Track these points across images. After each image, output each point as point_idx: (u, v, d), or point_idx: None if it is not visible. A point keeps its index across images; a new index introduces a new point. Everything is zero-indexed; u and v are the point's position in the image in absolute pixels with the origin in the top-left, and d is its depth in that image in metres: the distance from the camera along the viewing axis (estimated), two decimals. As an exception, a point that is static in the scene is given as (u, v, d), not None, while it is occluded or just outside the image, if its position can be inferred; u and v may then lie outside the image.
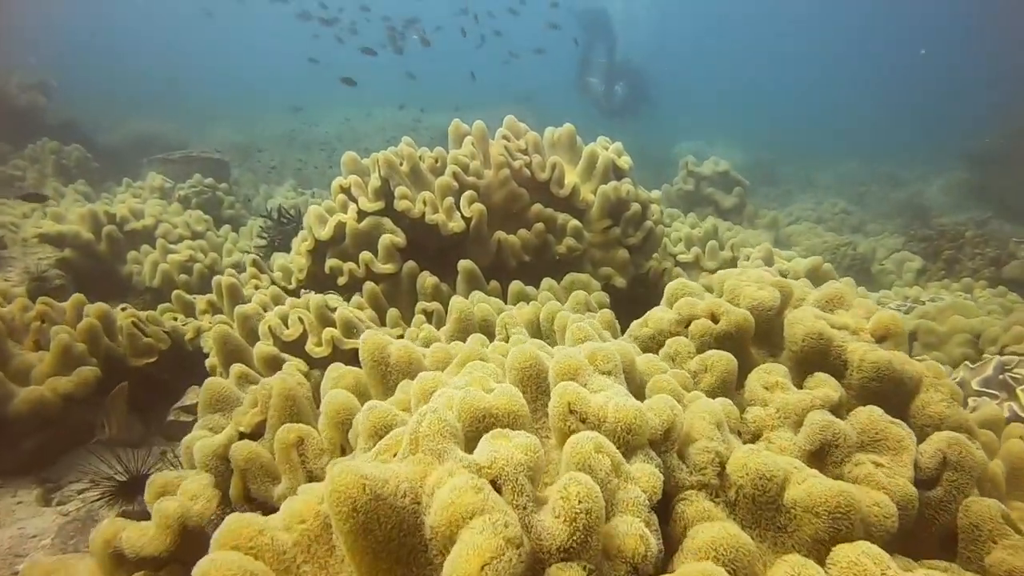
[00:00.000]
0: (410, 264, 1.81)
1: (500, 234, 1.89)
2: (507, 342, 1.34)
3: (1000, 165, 5.17)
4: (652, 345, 1.32)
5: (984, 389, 1.51)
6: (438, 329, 1.62)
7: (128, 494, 1.32)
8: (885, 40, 18.98)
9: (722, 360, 1.14)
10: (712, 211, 3.90)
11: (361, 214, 1.86)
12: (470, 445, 0.79)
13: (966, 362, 1.64)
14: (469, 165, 1.97)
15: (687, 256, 2.68)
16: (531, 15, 7.20)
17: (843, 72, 19.05)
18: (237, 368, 1.32)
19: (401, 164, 1.98)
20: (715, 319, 1.24)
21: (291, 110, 7.73)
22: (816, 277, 2.16)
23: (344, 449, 0.97)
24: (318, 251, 1.91)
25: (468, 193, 1.89)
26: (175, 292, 2.06)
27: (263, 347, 1.38)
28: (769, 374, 1.12)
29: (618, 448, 0.80)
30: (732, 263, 2.68)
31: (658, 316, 1.32)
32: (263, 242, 2.81)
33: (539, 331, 1.51)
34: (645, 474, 0.78)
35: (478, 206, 1.84)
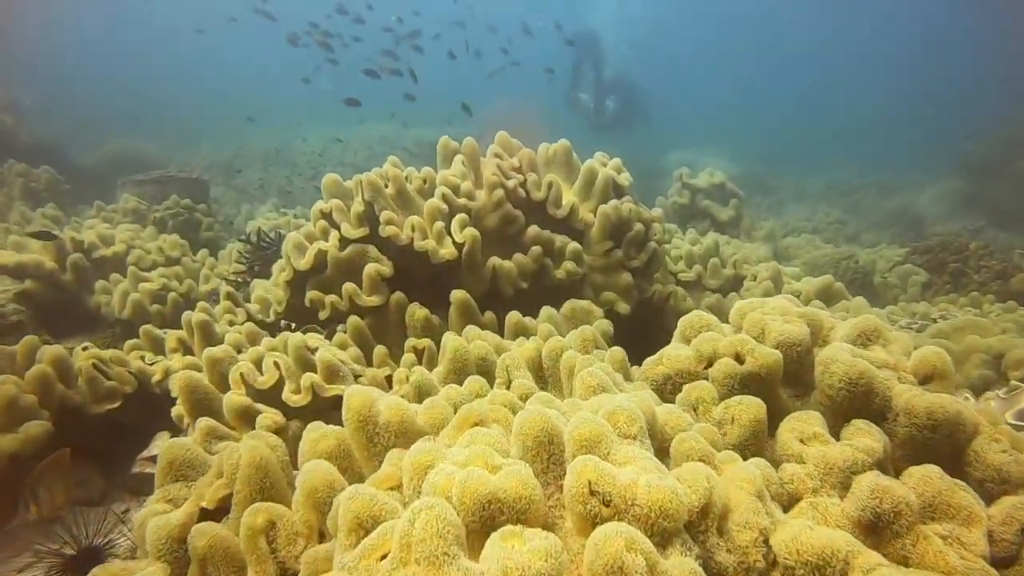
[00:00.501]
0: (398, 295, 1.67)
1: (495, 260, 1.76)
2: (508, 388, 1.21)
3: (994, 173, 5.16)
4: (667, 386, 1.20)
5: (1021, 423, 1.40)
6: (430, 368, 1.48)
7: (79, 570, 1.16)
8: (875, 49, 19.25)
9: (751, 408, 1.01)
10: (708, 224, 3.81)
11: (344, 241, 1.73)
12: (474, 540, 0.66)
13: (997, 392, 1.54)
14: (460, 186, 1.85)
15: (688, 275, 2.57)
16: (541, 32, 7.18)
17: (834, 77, 19.25)
18: (204, 424, 1.17)
19: (387, 186, 1.85)
20: (739, 359, 1.12)
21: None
22: (827, 296, 2.05)
23: (324, 534, 0.82)
24: (298, 281, 1.76)
25: (460, 217, 1.76)
26: (143, 328, 1.90)
27: (234, 397, 1.23)
28: (804, 423, 1.00)
29: (651, 537, 0.66)
30: (736, 281, 2.58)
31: (674, 354, 1.19)
32: (242, 268, 2.65)
33: (541, 369, 1.38)
34: (685, 572, 0.65)
35: (471, 231, 1.71)
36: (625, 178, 2.00)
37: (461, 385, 1.22)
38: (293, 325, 1.96)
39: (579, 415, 0.79)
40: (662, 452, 0.96)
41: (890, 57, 19.05)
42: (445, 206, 1.77)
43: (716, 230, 3.72)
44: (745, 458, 0.97)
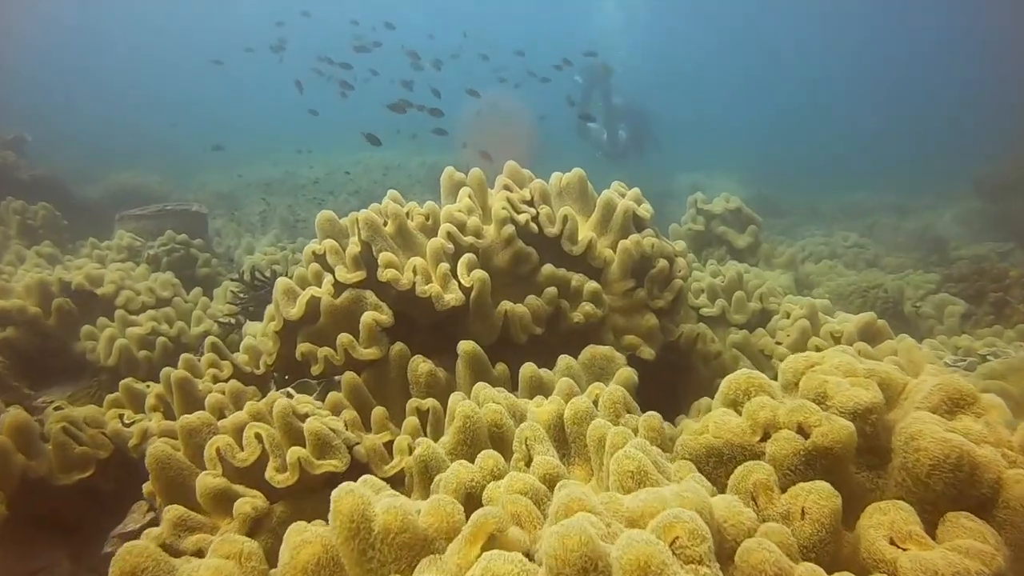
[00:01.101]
0: (399, 347, 1.51)
1: (506, 305, 1.60)
2: (528, 465, 1.04)
3: (1013, 193, 4.99)
4: (711, 461, 1.02)
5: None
6: (436, 435, 1.31)
7: None
8: (883, 66, 19.24)
9: (824, 499, 0.83)
10: (724, 251, 3.65)
11: (338, 287, 1.57)
12: None
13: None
14: (466, 222, 1.70)
15: (711, 310, 2.40)
16: (544, 53, 7.19)
17: (843, 97, 19.19)
18: (171, 515, 1.00)
19: (385, 224, 1.70)
20: (802, 431, 0.94)
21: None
22: (869, 335, 1.88)
23: None
24: (289, 331, 1.61)
25: (467, 257, 1.60)
26: (122, 383, 1.74)
27: (208, 480, 1.06)
28: (894, 518, 0.81)
29: None
30: (762, 316, 2.41)
31: (721, 421, 1.02)
32: (236, 308, 2.50)
33: (562, 431, 1.20)
34: None
35: (479, 273, 1.55)
36: (646, 210, 1.84)
37: (471, 460, 1.05)
38: (288, 376, 1.80)
39: (629, 534, 0.62)
40: (721, 555, 0.79)
41: (891, 68, 19.06)
42: (451, 246, 1.62)
43: (733, 257, 3.56)
44: (822, 564, 0.79)
